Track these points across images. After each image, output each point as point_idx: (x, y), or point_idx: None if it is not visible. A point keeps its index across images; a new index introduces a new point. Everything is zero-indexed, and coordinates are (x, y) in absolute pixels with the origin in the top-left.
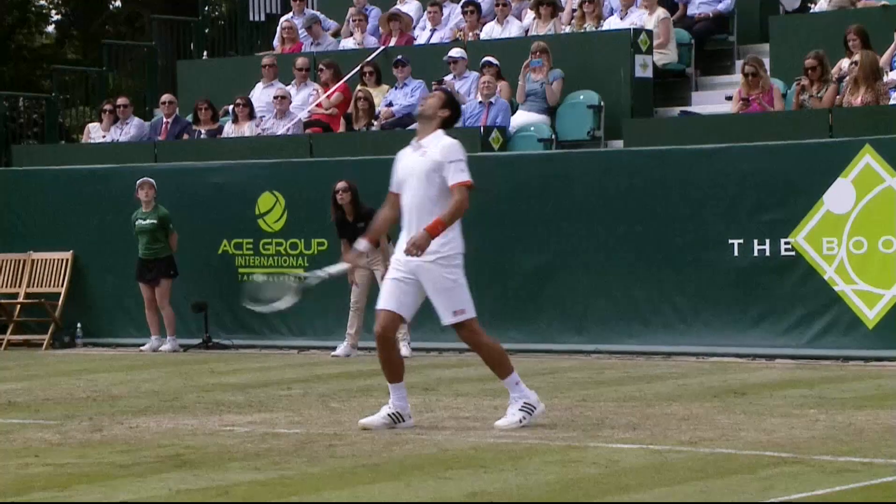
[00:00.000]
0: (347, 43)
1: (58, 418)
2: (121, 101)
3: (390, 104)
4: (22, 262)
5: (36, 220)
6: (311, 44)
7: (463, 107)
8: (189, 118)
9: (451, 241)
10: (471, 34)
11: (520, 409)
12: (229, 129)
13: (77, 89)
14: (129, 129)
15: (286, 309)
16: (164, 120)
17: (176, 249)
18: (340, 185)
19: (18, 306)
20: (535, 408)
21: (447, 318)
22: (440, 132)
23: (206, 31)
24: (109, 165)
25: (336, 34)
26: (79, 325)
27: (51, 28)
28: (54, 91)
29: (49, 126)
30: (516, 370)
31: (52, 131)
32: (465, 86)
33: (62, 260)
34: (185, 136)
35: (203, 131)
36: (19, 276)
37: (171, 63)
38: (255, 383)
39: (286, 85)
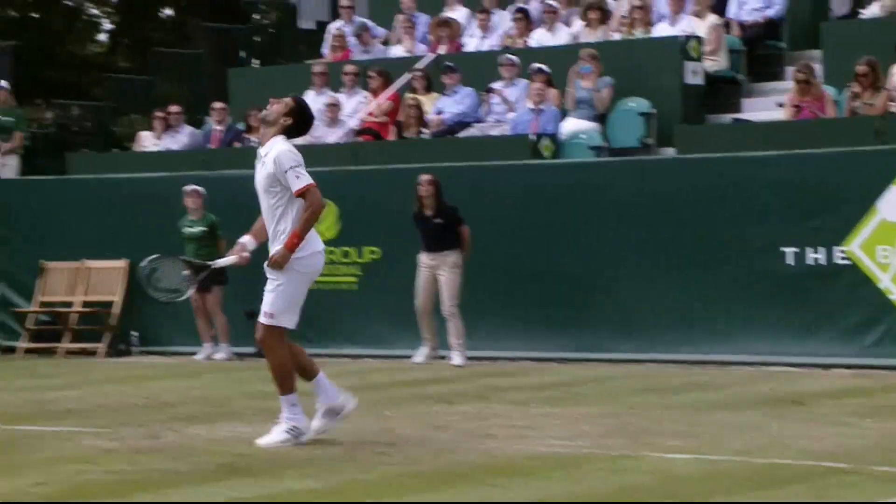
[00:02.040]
0: (396, 50)
1: (112, 425)
2: (173, 108)
3: (440, 111)
4: (78, 270)
5: (91, 229)
6: (361, 51)
7: (512, 114)
8: (241, 126)
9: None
10: (520, 41)
11: (286, 431)
12: None
13: (128, 97)
14: (181, 137)
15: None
16: (216, 128)
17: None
18: (424, 177)
19: (75, 314)
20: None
21: (261, 316)
22: (278, 139)
23: (255, 38)
24: (162, 174)
25: (385, 41)
26: (135, 333)
27: (102, 36)
28: (106, 99)
29: (102, 134)
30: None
31: (105, 139)
32: (516, 93)
33: (118, 268)
34: (237, 144)
35: (255, 139)
36: (75, 285)
37: (219, 70)
38: (308, 391)
39: (336, 92)
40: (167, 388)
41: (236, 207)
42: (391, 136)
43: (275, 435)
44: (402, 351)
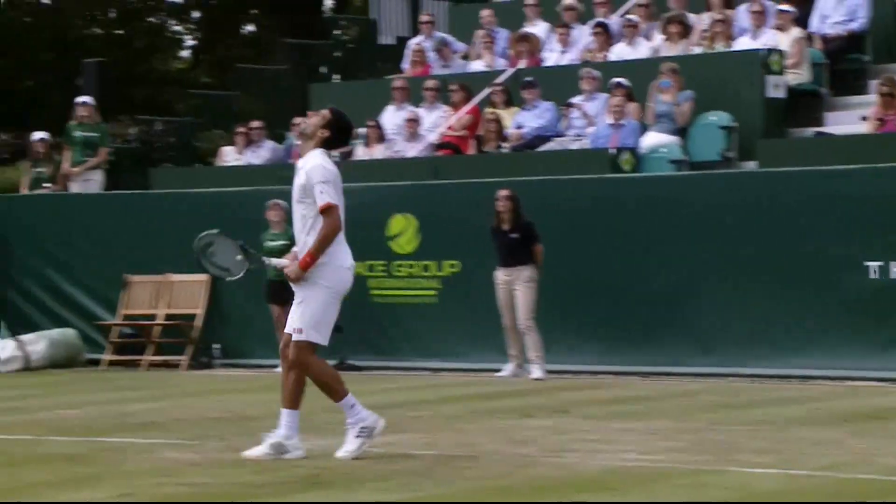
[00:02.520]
0: (476, 65)
1: (194, 438)
2: (255, 124)
3: (520, 126)
4: (161, 283)
5: (174, 243)
6: (441, 66)
7: (592, 129)
8: None
9: (318, 263)
10: (600, 55)
11: (358, 435)
12: (361, 152)
13: (210, 112)
14: (263, 152)
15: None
16: (297, 143)
17: None
18: (502, 192)
19: (158, 327)
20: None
21: (293, 332)
22: (316, 152)
23: (336, 54)
24: (243, 188)
25: (465, 56)
26: (217, 346)
27: (185, 52)
28: (188, 115)
29: (184, 149)
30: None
31: (187, 154)
32: (596, 107)
33: (200, 282)
34: None
35: (335, 154)
36: (158, 298)
37: (299, 86)
38: (386, 404)
39: (416, 107)
40: (249, 401)
41: None
42: (471, 150)
43: (350, 444)
44: (482, 364)
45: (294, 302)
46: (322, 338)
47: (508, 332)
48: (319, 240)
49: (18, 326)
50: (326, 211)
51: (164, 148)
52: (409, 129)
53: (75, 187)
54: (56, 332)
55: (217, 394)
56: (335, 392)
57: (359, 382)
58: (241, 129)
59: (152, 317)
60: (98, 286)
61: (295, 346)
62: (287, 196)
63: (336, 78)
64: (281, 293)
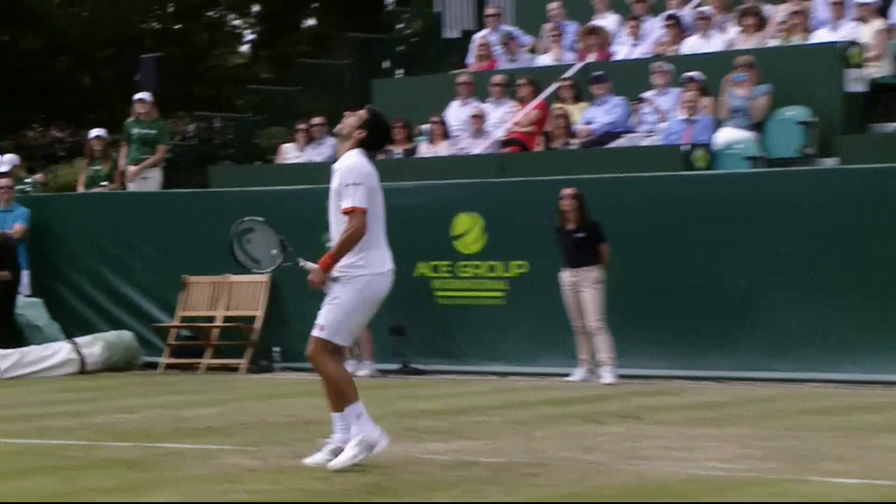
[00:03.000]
0: (544, 59)
1: (255, 444)
2: (316, 120)
3: (589, 121)
4: (219, 284)
5: None
6: (507, 60)
7: (664, 124)
8: None
9: (353, 265)
10: (672, 48)
11: (356, 445)
12: (424, 149)
13: (270, 109)
14: (324, 149)
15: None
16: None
17: None
18: (567, 190)
19: (216, 329)
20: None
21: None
22: (353, 153)
23: (399, 48)
24: (304, 186)
25: (532, 50)
26: (276, 349)
27: (244, 48)
28: (248, 111)
29: (243, 147)
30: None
31: (247, 152)
32: (668, 102)
33: (260, 283)
34: (380, 156)
35: (398, 151)
36: (217, 299)
37: (361, 81)
38: (453, 409)
39: (482, 103)
40: (309, 405)
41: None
42: (538, 146)
43: (345, 453)
44: (551, 368)
45: (326, 299)
46: (343, 340)
47: (578, 334)
48: (341, 242)
49: (74, 328)
50: (351, 214)
51: (224, 145)
52: (475, 125)
53: (133, 186)
54: (112, 335)
55: (278, 398)
56: (345, 397)
57: (423, 387)
58: (302, 126)
59: (211, 318)
60: (155, 287)
61: (313, 341)
62: None
63: (399, 73)
64: None
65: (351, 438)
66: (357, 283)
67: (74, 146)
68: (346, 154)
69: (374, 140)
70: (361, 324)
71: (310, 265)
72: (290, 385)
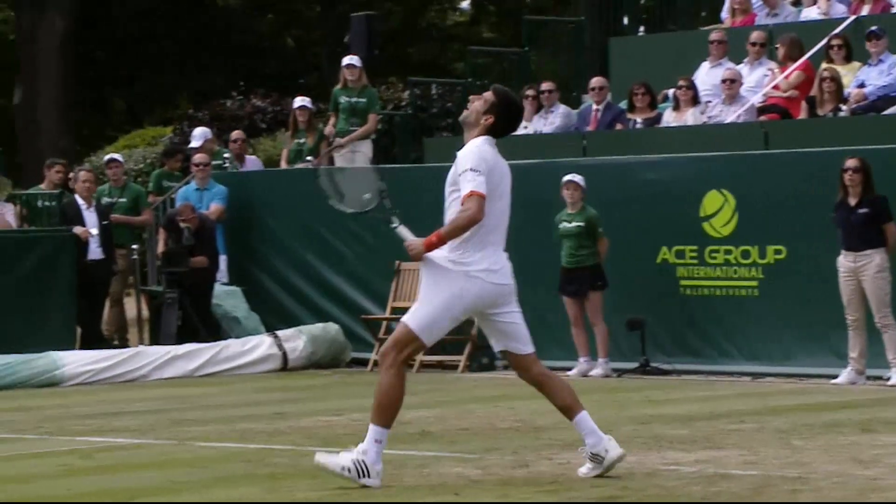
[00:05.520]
0: (810, 13)
1: (477, 451)
2: (545, 86)
3: (862, 85)
4: None
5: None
6: (767, 15)
7: None
8: (623, 105)
9: (463, 257)
10: None
11: (352, 460)
12: (669, 118)
13: (493, 73)
14: (555, 119)
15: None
16: (594, 107)
17: (605, 257)
18: (851, 161)
19: None
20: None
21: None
22: (477, 140)
23: (642, 2)
24: (532, 161)
25: (796, 3)
26: None
27: (465, 4)
28: (469, 76)
29: None
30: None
31: None
32: None
33: None
34: (619, 126)
35: (639, 120)
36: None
37: (597, 40)
38: (701, 415)
39: (736, 64)
40: (537, 408)
41: (624, 201)
42: (802, 114)
43: (340, 458)
44: (814, 369)
45: (421, 287)
46: (428, 337)
47: (853, 330)
48: (452, 224)
49: (275, 321)
50: (469, 199)
51: (442, 114)
52: (728, 89)
53: (340, 160)
54: (317, 328)
55: (502, 400)
56: (384, 412)
57: (666, 389)
58: (530, 92)
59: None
60: (365, 274)
61: (402, 328)
62: (582, 169)
63: (641, 31)
64: (576, 283)
65: (353, 452)
66: (453, 283)
67: (276, 117)
68: (472, 142)
69: (503, 124)
70: (446, 327)
71: (404, 232)
72: (514, 385)
